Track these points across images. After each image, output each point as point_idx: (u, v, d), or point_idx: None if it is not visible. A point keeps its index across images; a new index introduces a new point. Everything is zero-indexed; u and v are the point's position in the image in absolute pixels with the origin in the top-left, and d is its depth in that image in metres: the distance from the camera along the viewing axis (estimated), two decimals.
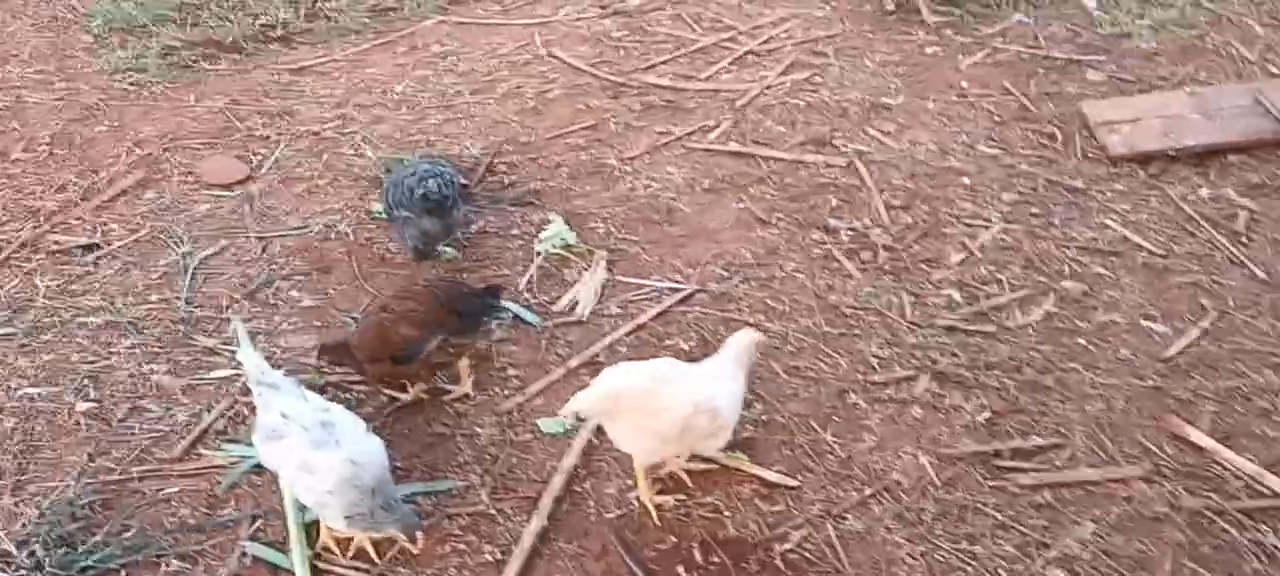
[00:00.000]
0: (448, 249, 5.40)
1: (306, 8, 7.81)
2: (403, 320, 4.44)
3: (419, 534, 3.84)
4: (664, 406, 3.76)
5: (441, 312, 4.46)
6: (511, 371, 4.72)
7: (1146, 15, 6.82)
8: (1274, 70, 6.14)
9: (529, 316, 4.98)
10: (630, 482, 4.05)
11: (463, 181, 5.67)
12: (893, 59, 6.73)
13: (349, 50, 7.38)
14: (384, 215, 5.44)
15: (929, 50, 6.79)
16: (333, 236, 5.62)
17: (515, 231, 5.57)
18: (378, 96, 6.83)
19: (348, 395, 4.61)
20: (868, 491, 4.02)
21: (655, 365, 3.98)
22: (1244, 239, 5.02)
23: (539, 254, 5.36)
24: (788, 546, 3.86)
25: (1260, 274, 4.81)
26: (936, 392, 4.41)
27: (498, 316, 4.74)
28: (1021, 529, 3.82)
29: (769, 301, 4.99)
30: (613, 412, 3.87)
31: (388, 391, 4.62)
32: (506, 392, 4.61)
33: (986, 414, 4.29)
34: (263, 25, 7.62)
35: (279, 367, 4.45)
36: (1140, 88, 6.17)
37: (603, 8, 7.62)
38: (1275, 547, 3.66)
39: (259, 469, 4.17)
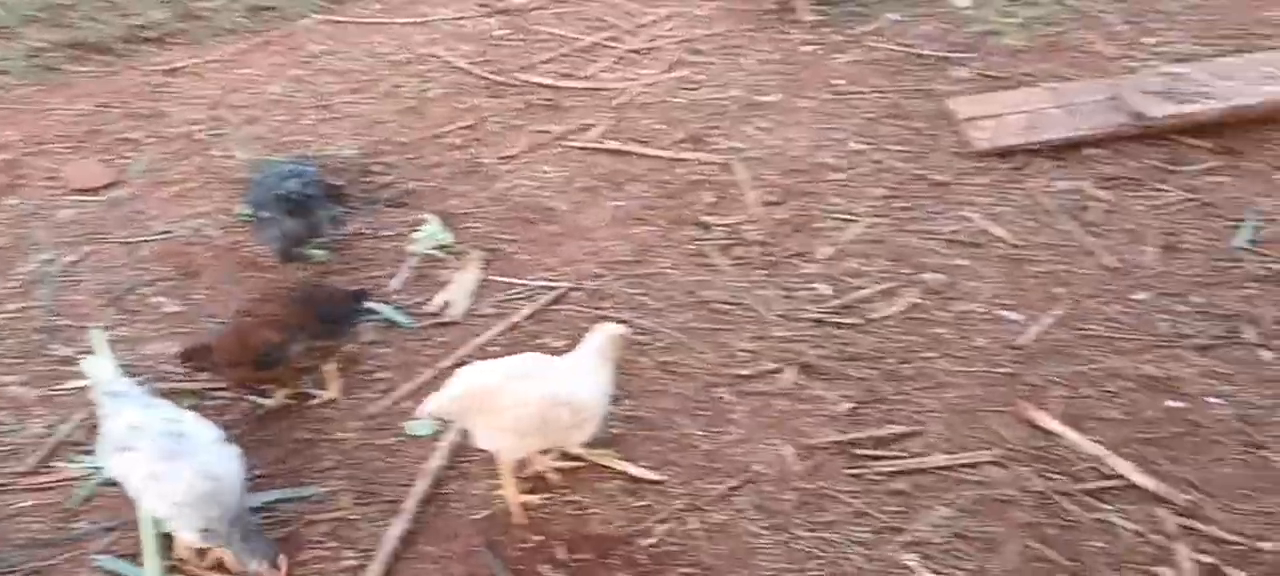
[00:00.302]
0: (318, 251, 5.32)
1: (180, 8, 7.64)
2: (264, 324, 4.37)
3: (282, 558, 3.72)
4: (518, 402, 3.76)
5: (304, 316, 4.40)
6: (381, 374, 4.67)
7: (1014, 14, 7.02)
8: (1132, 66, 6.35)
9: (400, 318, 4.93)
10: (497, 482, 4.05)
11: (334, 182, 5.60)
12: (771, 58, 6.82)
13: (224, 50, 7.25)
14: (249, 217, 5.34)
15: (805, 49, 6.90)
16: (200, 241, 5.51)
17: (390, 232, 5.52)
18: (252, 97, 6.72)
19: (211, 402, 4.52)
20: (732, 483, 4.07)
21: (512, 362, 3.97)
22: (1097, 229, 5.19)
23: (412, 255, 5.32)
24: (651, 541, 3.88)
25: (1111, 262, 4.97)
26: (802, 384, 4.48)
27: (365, 320, 4.69)
28: (877, 515, 3.90)
29: (642, 298, 5.02)
30: (467, 412, 3.86)
31: (251, 397, 4.54)
32: (375, 396, 4.56)
33: (849, 404, 4.38)
34: (134, 26, 7.45)
35: (140, 376, 4.35)
36: (1006, 84, 6.34)
37: (484, 7, 7.60)
38: (1118, 526, 3.79)
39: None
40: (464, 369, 3.96)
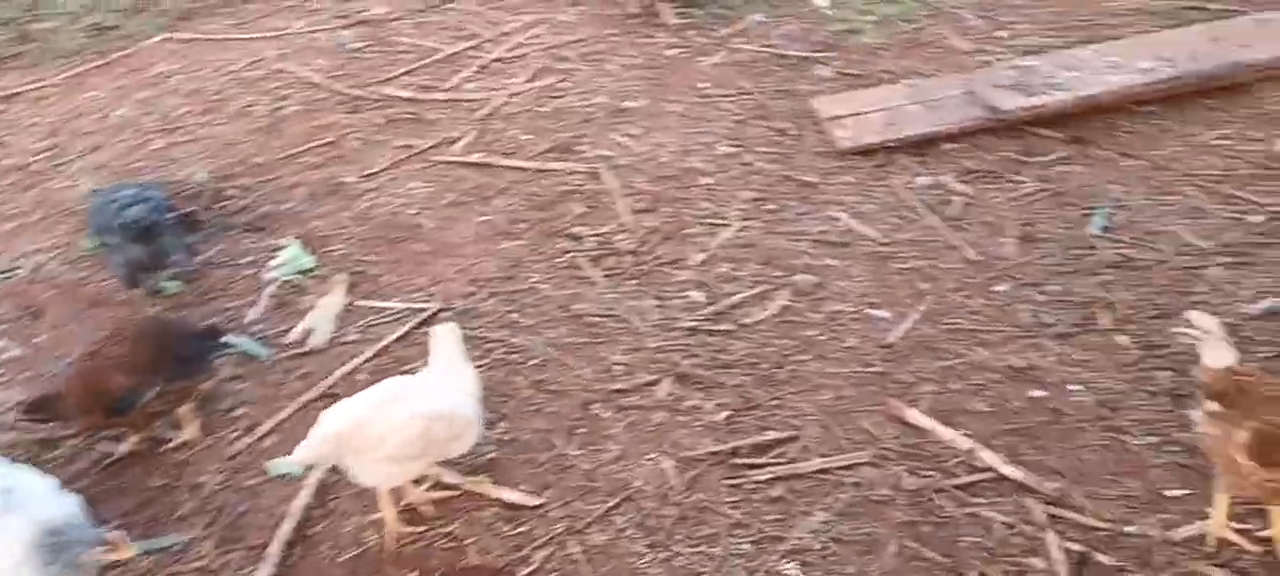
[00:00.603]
0: (171, 282, 5.08)
1: (15, 30, 7.24)
2: (116, 368, 4.14)
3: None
4: (393, 429, 3.64)
5: (158, 357, 4.18)
6: (241, 411, 4.48)
7: (872, 12, 7.13)
8: (985, 60, 6.50)
9: (260, 350, 4.74)
10: (368, 520, 3.91)
11: (184, 209, 5.36)
12: (636, 62, 6.79)
13: (64, 74, 6.90)
14: (95, 248, 5.07)
15: (671, 53, 6.88)
16: (42, 278, 5.21)
17: (247, 259, 5.30)
18: (96, 123, 6.41)
19: (56, 452, 4.26)
20: (612, 503, 4.01)
21: (374, 391, 3.84)
22: (959, 223, 5.29)
23: (272, 282, 5.12)
24: (531, 568, 3.80)
25: (973, 255, 5.07)
26: (678, 395, 4.45)
27: (221, 355, 4.49)
28: (757, 525, 3.89)
29: (514, 315, 4.93)
30: (341, 452, 3.71)
31: (103, 444, 4.29)
32: (235, 434, 4.37)
33: (725, 413, 4.36)
34: None
35: None
36: (866, 82, 6.42)
37: (341, 18, 7.38)
38: (990, 519, 3.86)
39: None
40: (328, 411, 3.80)
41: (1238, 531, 3.66)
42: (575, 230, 5.42)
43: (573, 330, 4.83)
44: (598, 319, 4.87)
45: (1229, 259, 4.91)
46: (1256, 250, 4.95)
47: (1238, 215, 5.17)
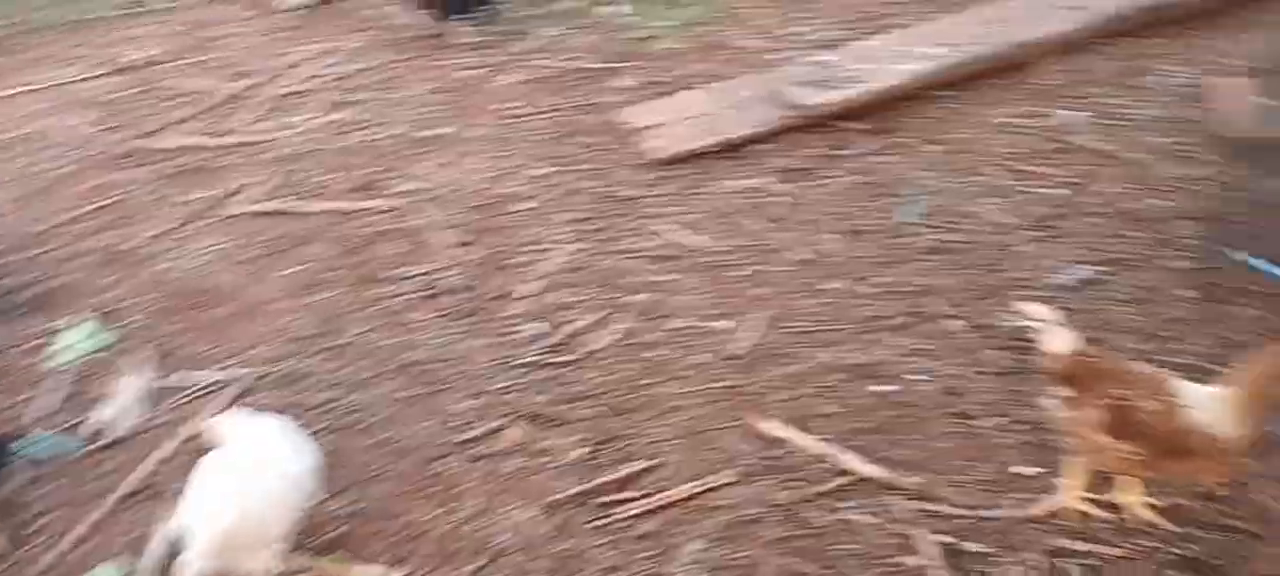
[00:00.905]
0: None
1: None
2: None
3: None
4: (275, 505, 3.40)
5: None
6: (47, 518, 4.00)
7: (667, 17, 7.12)
8: (782, 58, 6.57)
9: (64, 444, 4.26)
10: None
11: None
12: (432, 88, 6.54)
13: None
14: None
15: (466, 74, 6.67)
16: None
17: (29, 344, 4.76)
18: None
19: None
20: (477, 564, 3.80)
21: (233, 473, 3.52)
22: (784, 224, 5.32)
23: (61, 366, 4.62)
24: None
25: (805, 254, 5.11)
26: (531, 437, 4.27)
27: (12, 463, 4.00)
28: (632, 565, 3.77)
29: (341, 372, 4.62)
30: (233, 551, 3.39)
31: None
32: (44, 544, 3.90)
33: (584, 449, 4.21)
34: None
35: None
36: (670, 90, 6.39)
37: (105, 65, 6.78)
38: (860, 523, 3.87)
39: None
40: (194, 515, 3.42)
41: (1088, 501, 3.80)
42: (394, 272, 5.14)
43: (408, 381, 4.57)
44: (433, 365, 4.63)
45: (1037, 233, 5.11)
46: (1060, 222, 5.18)
47: (1038, 190, 5.40)
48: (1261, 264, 4.69)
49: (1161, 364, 3.77)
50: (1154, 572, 3.59)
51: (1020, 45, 6.27)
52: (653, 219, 5.41)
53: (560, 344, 4.71)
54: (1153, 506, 3.72)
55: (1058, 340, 3.71)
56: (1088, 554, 3.66)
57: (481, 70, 6.67)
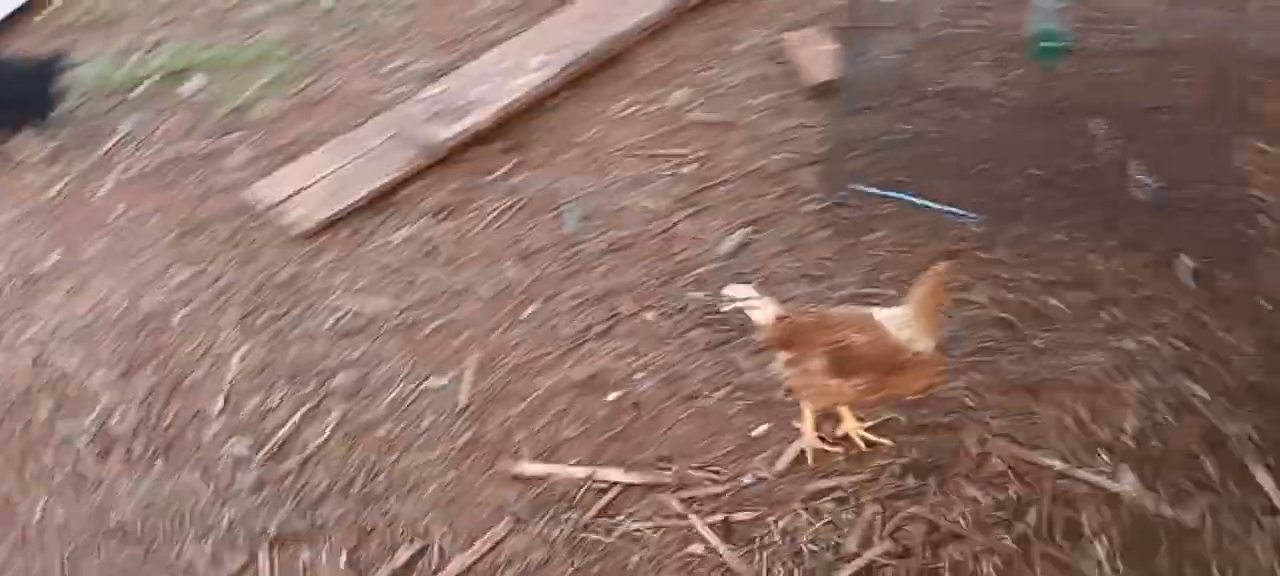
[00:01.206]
0: None
1: None
2: None
3: None
4: None
5: None
6: None
7: (256, 79, 6.76)
8: (394, 96, 6.47)
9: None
10: None
11: None
12: (20, 215, 5.80)
13: None
14: None
15: (53, 191, 5.97)
16: None
17: None
18: None
19: None
20: None
21: None
22: (457, 266, 5.29)
23: None
24: None
25: (488, 292, 5.11)
26: (285, 560, 4.00)
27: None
28: None
29: (34, 565, 4.05)
30: None
31: None
32: None
33: (343, 555, 4.02)
34: None
35: None
36: (289, 155, 6.10)
37: None
38: (640, 531, 4.02)
39: None
40: None
41: (823, 441, 4.21)
42: (57, 431, 4.56)
43: (119, 547, 4.11)
44: (144, 519, 4.19)
45: (688, 210, 5.47)
46: (702, 195, 5.59)
47: (674, 171, 5.78)
48: (876, 190, 5.37)
49: (825, 300, 4.24)
50: (891, 483, 4.05)
51: (618, 38, 6.62)
52: (323, 294, 5.19)
53: (276, 452, 4.43)
54: (869, 430, 4.20)
55: (763, 312, 4.07)
56: (836, 488, 4.06)
57: (70, 182, 5.99)
